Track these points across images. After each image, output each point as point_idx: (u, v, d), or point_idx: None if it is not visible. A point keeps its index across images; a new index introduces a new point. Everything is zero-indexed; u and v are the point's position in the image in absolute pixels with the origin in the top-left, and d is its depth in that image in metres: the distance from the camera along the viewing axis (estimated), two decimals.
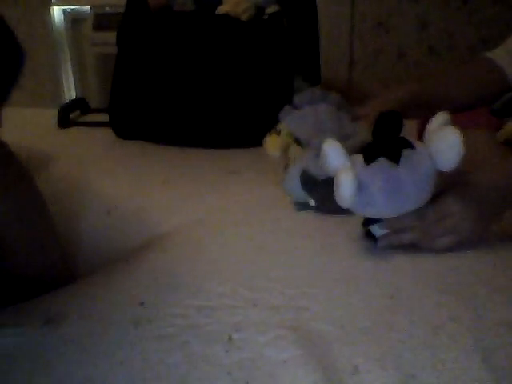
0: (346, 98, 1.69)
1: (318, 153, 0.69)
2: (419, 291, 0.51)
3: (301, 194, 0.72)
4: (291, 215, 0.72)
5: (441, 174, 0.57)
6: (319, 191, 0.69)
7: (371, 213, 0.57)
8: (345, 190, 0.52)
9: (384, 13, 1.65)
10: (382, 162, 0.54)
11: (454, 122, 0.56)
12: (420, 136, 0.63)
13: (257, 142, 1.14)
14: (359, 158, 0.56)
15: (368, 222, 0.60)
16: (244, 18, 1.21)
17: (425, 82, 0.95)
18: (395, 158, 0.54)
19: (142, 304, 0.51)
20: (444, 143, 0.54)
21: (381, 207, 0.55)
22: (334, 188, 0.54)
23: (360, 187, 0.53)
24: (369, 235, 0.61)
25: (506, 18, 1.58)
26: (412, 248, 0.59)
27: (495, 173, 0.60)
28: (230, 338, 0.45)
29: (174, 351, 0.44)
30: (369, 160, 0.55)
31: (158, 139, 1.17)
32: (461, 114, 0.83)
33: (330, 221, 0.69)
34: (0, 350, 0.45)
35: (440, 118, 0.56)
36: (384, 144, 0.56)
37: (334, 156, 0.55)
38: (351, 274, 0.55)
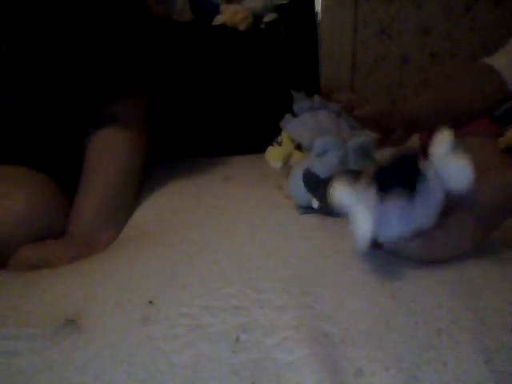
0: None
1: (319, 152, 0.70)
2: (422, 294, 0.52)
3: (303, 197, 0.73)
4: (294, 217, 0.73)
5: None
6: (321, 190, 0.69)
7: (382, 239, 0.57)
8: (363, 229, 0.52)
9: (387, 19, 1.66)
10: (398, 194, 0.53)
11: (456, 135, 0.56)
12: (423, 147, 0.63)
13: (253, 148, 1.15)
14: (371, 192, 0.55)
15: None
16: (242, 27, 1.22)
17: (427, 93, 0.96)
18: (412, 188, 0.53)
19: (150, 302, 0.52)
20: (455, 169, 0.54)
21: (394, 235, 0.55)
22: (352, 225, 0.54)
23: (377, 223, 0.53)
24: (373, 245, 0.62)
25: (508, 24, 1.59)
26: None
27: (495, 180, 0.61)
28: (237, 339, 0.46)
29: (180, 351, 0.45)
30: (381, 198, 0.53)
31: (160, 147, 1.18)
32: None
33: (333, 222, 0.69)
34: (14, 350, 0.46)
35: (444, 139, 0.56)
36: (399, 175, 0.54)
37: (346, 197, 0.56)
38: (355, 275, 0.56)
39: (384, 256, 0.60)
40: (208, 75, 1.16)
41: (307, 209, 0.73)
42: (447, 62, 1.67)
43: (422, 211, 0.53)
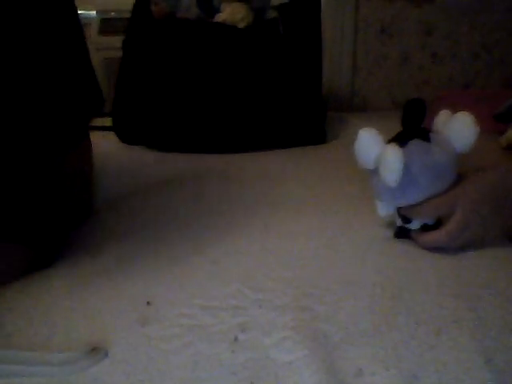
0: (350, 103, 1.69)
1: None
2: (422, 293, 0.52)
3: None
4: (294, 217, 0.73)
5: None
6: None
7: (411, 194, 0.59)
8: (395, 162, 0.55)
9: (388, 18, 1.66)
10: (415, 142, 0.59)
11: None
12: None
13: (254, 146, 1.15)
14: (393, 144, 0.59)
15: (406, 220, 0.62)
16: (241, 25, 1.22)
17: None
18: (426, 138, 0.59)
19: (148, 303, 0.52)
20: (459, 124, 0.59)
21: (422, 184, 0.58)
22: (382, 168, 0.57)
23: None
24: (400, 235, 0.64)
25: (509, 24, 1.59)
26: (417, 250, 0.61)
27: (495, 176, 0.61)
28: (236, 339, 0.46)
29: (179, 351, 0.45)
30: (403, 143, 0.59)
31: (161, 144, 1.18)
32: None
33: (334, 222, 0.69)
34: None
35: (444, 112, 0.62)
36: (413, 128, 0.60)
37: (373, 143, 0.59)
38: (355, 275, 0.56)
39: (385, 257, 0.60)
40: (205, 73, 1.16)
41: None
42: (449, 62, 1.67)
43: (438, 153, 0.58)
